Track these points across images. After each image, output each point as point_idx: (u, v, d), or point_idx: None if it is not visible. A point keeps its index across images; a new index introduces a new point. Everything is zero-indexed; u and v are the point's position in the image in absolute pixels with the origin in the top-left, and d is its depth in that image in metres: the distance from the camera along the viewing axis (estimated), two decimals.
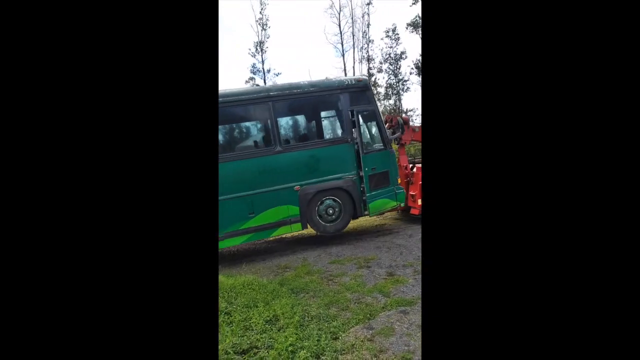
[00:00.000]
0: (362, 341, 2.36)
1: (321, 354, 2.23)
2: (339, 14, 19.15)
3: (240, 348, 2.29)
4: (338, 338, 2.44)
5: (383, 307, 2.90)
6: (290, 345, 2.30)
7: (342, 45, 17.91)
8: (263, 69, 17.48)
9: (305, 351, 2.22)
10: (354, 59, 18.44)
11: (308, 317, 2.82)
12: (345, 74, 17.57)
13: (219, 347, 2.19)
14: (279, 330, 2.56)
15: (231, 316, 2.81)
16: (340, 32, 17.77)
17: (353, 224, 6.20)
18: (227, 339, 2.30)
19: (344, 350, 2.28)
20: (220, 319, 2.70)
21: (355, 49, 18.35)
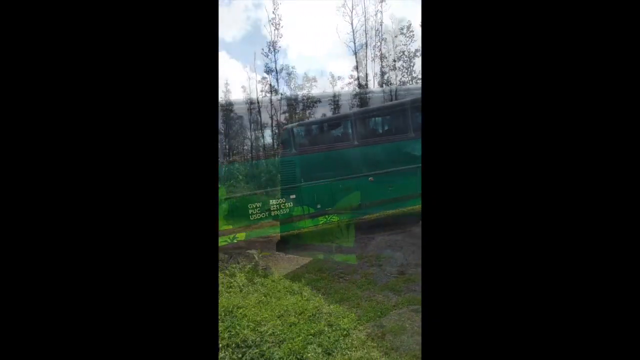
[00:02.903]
0: (372, 339, 2.36)
1: (332, 351, 2.25)
2: (352, 12, 19.07)
3: (252, 342, 2.33)
4: (349, 335, 2.45)
5: (394, 306, 2.89)
6: (302, 340, 2.32)
7: (355, 44, 17.83)
8: (275, 68, 17.72)
9: (315, 346, 2.24)
10: (366, 57, 18.30)
11: (319, 313, 2.84)
12: (358, 73, 17.49)
13: (226, 342, 2.23)
14: (290, 326, 2.59)
15: (245, 309, 2.86)
16: (353, 31, 17.74)
17: (364, 219, 6.18)
18: (239, 334, 2.34)
19: (354, 347, 2.28)
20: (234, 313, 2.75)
21: (368, 47, 18.24)
